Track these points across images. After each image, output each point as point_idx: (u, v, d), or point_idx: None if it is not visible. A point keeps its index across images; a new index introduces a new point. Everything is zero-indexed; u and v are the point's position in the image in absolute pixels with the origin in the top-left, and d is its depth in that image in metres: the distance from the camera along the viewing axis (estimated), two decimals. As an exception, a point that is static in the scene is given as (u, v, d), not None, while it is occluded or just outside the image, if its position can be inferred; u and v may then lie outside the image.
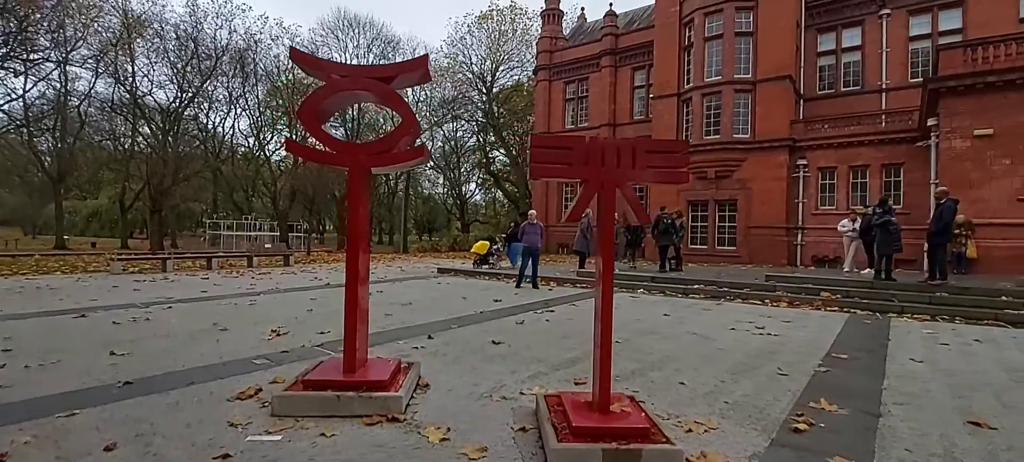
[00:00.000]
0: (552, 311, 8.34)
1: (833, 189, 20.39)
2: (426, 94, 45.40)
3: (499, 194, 55.05)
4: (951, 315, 8.17)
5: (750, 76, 21.55)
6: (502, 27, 38.09)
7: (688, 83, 23.14)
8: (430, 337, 6.21)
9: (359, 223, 4.07)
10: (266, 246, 28.17)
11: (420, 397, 3.93)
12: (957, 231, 12.37)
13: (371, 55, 40.62)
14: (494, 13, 38.08)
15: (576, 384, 4.37)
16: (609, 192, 3.39)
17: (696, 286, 10.76)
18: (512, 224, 21.78)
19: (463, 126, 43.78)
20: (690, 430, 3.38)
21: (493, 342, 5.98)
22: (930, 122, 13.74)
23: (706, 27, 22.25)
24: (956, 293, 8.92)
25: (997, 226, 11.88)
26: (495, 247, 18.33)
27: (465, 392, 4.09)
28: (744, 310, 8.68)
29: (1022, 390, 4.50)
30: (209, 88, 35.04)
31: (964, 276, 11.81)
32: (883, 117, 20.12)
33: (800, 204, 20.88)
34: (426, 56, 4.31)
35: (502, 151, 43.19)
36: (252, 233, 32.15)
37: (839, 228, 14.19)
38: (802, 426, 3.50)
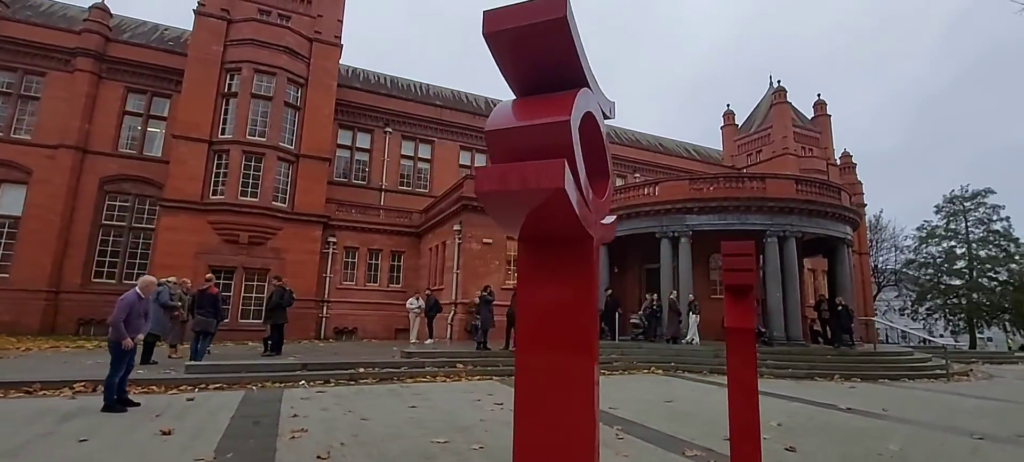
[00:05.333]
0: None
1: (354, 266, 23.00)
2: None
3: None
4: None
5: (294, 148, 21.71)
6: None
7: (224, 133, 20.58)
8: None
9: (589, 328, 2.48)
10: None
11: None
12: (473, 309, 17.19)
13: None
14: None
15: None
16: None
17: (360, 369, 9.96)
18: None
19: None
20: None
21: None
22: (456, 226, 18.69)
23: (255, 83, 20.88)
24: (523, 356, 12.75)
25: (500, 306, 17.43)
26: None
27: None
28: (442, 389, 9.08)
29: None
30: None
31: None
32: (381, 211, 24.68)
33: (327, 278, 22.20)
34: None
35: None
36: None
37: (408, 305, 16.51)
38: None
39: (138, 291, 6.75)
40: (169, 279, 11.57)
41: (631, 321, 18.33)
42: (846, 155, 39.70)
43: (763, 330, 15.65)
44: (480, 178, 1.93)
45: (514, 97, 2.27)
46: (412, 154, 27.73)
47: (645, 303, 18.09)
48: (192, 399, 7.38)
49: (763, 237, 16.48)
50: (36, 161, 20.63)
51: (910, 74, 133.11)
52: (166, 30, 26.90)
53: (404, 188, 27.13)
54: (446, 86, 34.70)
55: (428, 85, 33.31)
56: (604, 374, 12.29)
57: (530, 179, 1.72)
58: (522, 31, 1.92)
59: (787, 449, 5.81)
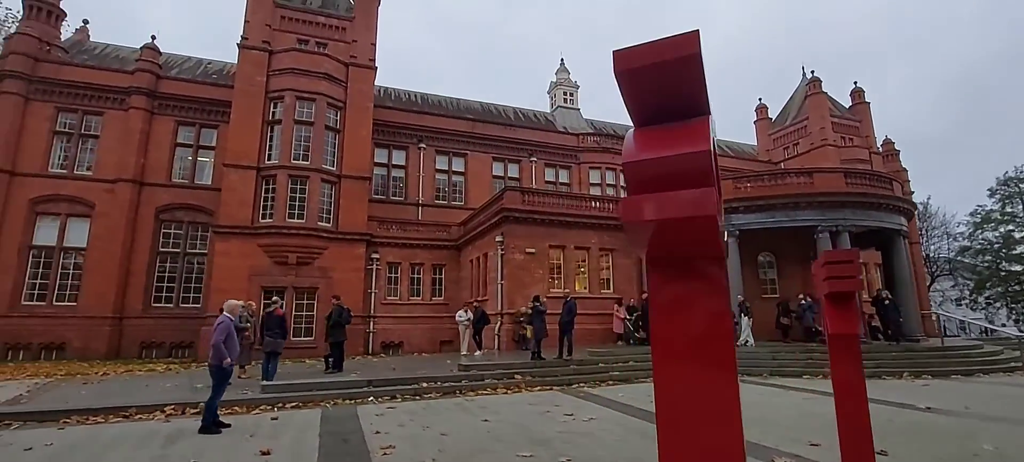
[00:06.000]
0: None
1: (397, 282, 23.42)
2: None
3: None
4: (594, 382, 11.70)
5: (335, 169, 22.35)
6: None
7: (270, 159, 21.37)
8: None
9: (728, 342, 2.55)
10: None
11: None
12: (521, 319, 17.29)
13: None
14: None
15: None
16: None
17: (423, 384, 10.19)
18: None
19: None
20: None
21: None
22: (498, 238, 18.87)
23: (297, 110, 21.65)
24: (579, 364, 12.82)
25: (550, 315, 17.46)
26: None
27: None
28: (507, 402, 9.20)
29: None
30: None
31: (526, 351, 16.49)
32: (420, 226, 25.05)
33: (373, 294, 22.66)
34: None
35: None
36: None
37: (457, 318, 16.77)
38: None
39: (229, 315, 7.11)
40: (237, 302, 12.06)
41: None
42: (888, 142, 38.38)
43: (820, 329, 15.21)
44: (630, 208, 2.03)
45: (634, 127, 2.35)
46: (446, 168, 28.14)
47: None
48: (276, 418, 7.71)
49: (814, 233, 16.11)
50: (97, 195, 21.83)
51: (951, 54, 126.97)
52: (210, 64, 28.13)
53: (440, 202, 27.55)
54: (474, 98, 35.15)
55: (458, 99, 33.79)
56: (661, 380, 12.17)
57: (684, 207, 1.84)
58: (655, 68, 2.03)
59: (878, 453, 5.68)
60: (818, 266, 3.79)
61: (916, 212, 38.45)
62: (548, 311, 13.89)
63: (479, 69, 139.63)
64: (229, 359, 6.77)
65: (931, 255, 42.15)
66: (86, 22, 26.91)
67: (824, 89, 35.75)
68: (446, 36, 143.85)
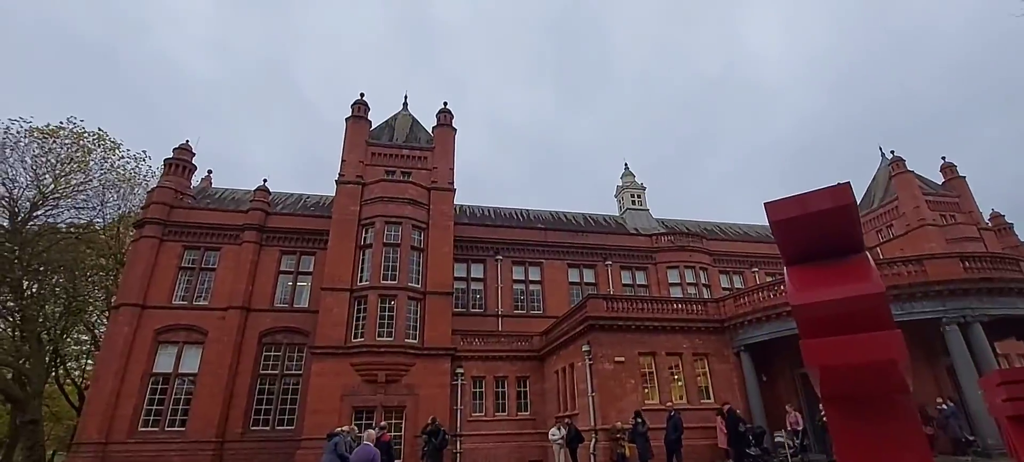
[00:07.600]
0: None
1: (482, 396, 23.08)
2: None
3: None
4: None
5: (420, 286, 23.35)
6: (73, 154, 27.43)
7: (362, 280, 22.77)
8: None
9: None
10: None
11: None
12: (619, 435, 16.34)
13: None
14: (64, 133, 27.22)
15: None
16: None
17: None
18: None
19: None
20: None
21: None
22: (585, 347, 18.54)
23: (386, 233, 23.32)
24: (692, 488, 11.78)
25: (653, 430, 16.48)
26: None
27: None
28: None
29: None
30: None
31: (627, 472, 15.39)
32: (501, 337, 25.08)
33: (458, 411, 22.38)
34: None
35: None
36: None
37: (550, 436, 16.17)
38: None
39: (370, 444, 7.36)
40: (342, 428, 12.38)
41: (777, 439, 16.44)
42: (997, 216, 35.23)
43: (972, 439, 13.24)
44: (813, 353, 2.00)
45: (787, 264, 2.30)
46: (523, 278, 28.63)
47: (790, 417, 16.42)
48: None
49: (940, 326, 14.59)
50: (211, 323, 23.85)
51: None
52: (308, 197, 31.34)
53: (519, 311, 27.73)
54: (544, 208, 36.34)
55: (528, 210, 35.08)
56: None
57: (873, 351, 1.84)
58: (812, 217, 2.08)
59: None
60: (991, 384, 3.47)
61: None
62: (650, 427, 13.07)
63: (541, 176, 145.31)
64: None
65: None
66: (210, 172, 31.24)
67: (909, 168, 34.02)
68: (507, 147, 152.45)
